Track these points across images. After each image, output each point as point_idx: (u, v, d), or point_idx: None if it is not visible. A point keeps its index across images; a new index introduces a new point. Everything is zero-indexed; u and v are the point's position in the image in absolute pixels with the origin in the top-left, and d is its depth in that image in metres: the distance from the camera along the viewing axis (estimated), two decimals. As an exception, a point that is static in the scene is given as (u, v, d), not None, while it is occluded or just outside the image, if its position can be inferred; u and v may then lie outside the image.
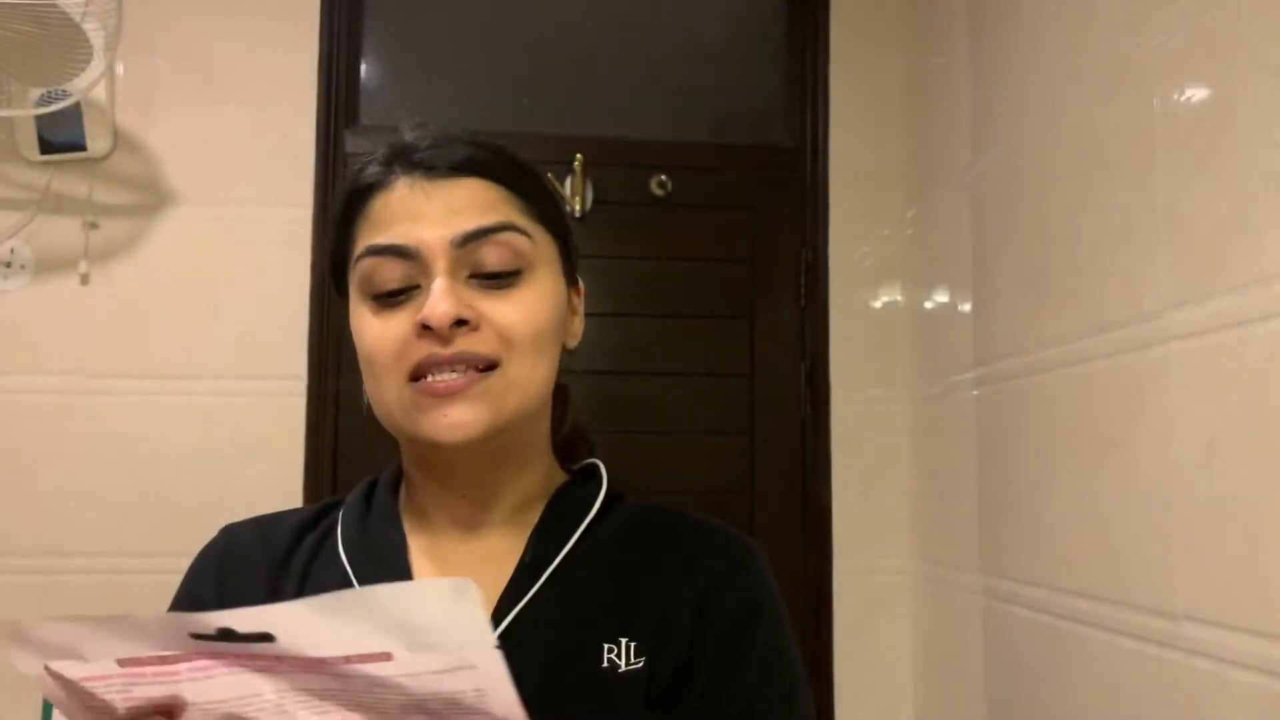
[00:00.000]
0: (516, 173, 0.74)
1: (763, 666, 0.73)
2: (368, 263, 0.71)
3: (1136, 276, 1.15)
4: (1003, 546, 1.49)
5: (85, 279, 1.80)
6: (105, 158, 1.82)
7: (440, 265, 0.69)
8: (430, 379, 0.69)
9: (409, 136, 0.74)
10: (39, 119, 1.75)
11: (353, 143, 1.92)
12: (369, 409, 0.75)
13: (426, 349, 0.68)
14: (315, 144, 1.88)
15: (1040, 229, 1.39)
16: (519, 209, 0.73)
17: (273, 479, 1.80)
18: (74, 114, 1.74)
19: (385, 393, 0.71)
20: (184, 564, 1.90)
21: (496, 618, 0.70)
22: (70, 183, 1.82)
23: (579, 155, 1.89)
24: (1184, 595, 1.05)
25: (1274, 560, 0.92)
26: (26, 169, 1.81)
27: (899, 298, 1.95)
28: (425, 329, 0.68)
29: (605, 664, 0.70)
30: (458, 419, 0.68)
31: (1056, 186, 1.35)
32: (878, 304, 1.96)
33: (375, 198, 0.72)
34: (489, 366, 0.69)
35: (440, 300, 0.67)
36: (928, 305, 1.83)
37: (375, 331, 0.70)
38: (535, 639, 0.70)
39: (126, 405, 1.79)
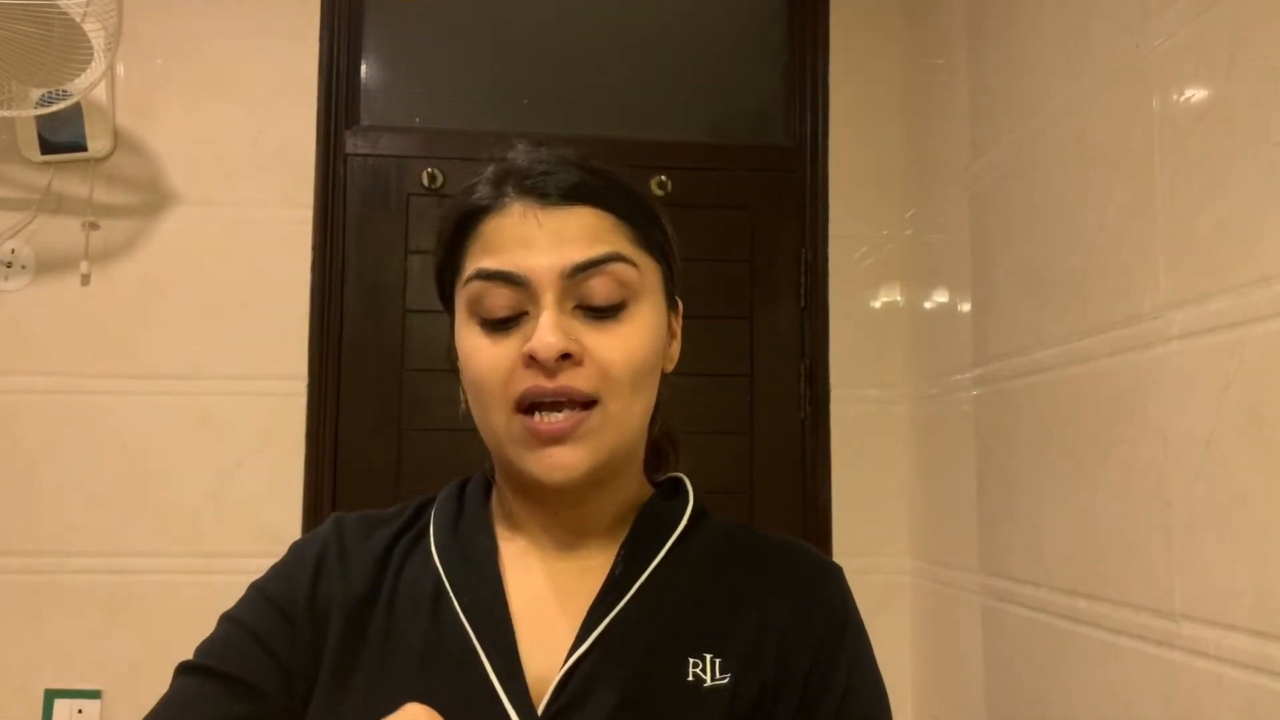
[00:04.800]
0: (626, 200, 0.75)
1: (848, 690, 0.74)
2: (477, 286, 0.72)
3: (1136, 276, 1.15)
4: (1002, 546, 1.49)
5: (85, 279, 1.80)
6: (105, 158, 1.83)
7: (549, 297, 0.70)
8: (538, 418, 0.70)
9: (523, 161, 0.74)
10: (40, 119, 1.75)
11: (353, 143, 1.92)
12: (465, 413, 0.77)
13: (532, 380, 0.70)
14: (315, 144, 1.88)
15: (1040, 229, 1.39)
16: (627, 237, 0.74)
17: (273, 479, 1.80)
18: (74, 114, 1.75)
19: (493, 421, 0.73)
20: (184, 564, 1.90)
21: (586, 629, 0.72)
22: (71, 183, 1.82)
23: (579, 155, 1.89)
24: (1183, 595, 1.05)
25: (1273, 560, 0.92)
26: (27, 169, 1.81)
27: (898, 298, 1.95)
28: (531, 360, 0.69)
29: (690, 678, 0.71)
30: (561, 460, 0.70)
31: (1056, 187, 1.35)
32: (877, 304, 1.96)
33: (488, 220, 0.73)
34: (589, 403, 0.71)
35: (548, 332, 0.69)
36: (927, 305, 1.83)
37: (484, 358, 0.72)
38: (623, 650, 0.71)
39: (126, 405, 1.79)
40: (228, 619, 0.76)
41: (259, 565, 0.82)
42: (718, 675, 0.71)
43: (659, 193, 1.95)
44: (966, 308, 1.65)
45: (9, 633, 1.73)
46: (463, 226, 0.75)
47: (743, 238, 1.97)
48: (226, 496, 1.78)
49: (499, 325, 0.72)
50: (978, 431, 1.59)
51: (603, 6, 2.07)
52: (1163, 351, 1.09)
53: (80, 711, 1.70)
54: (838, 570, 0.80)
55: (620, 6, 2.07)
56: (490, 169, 0.76)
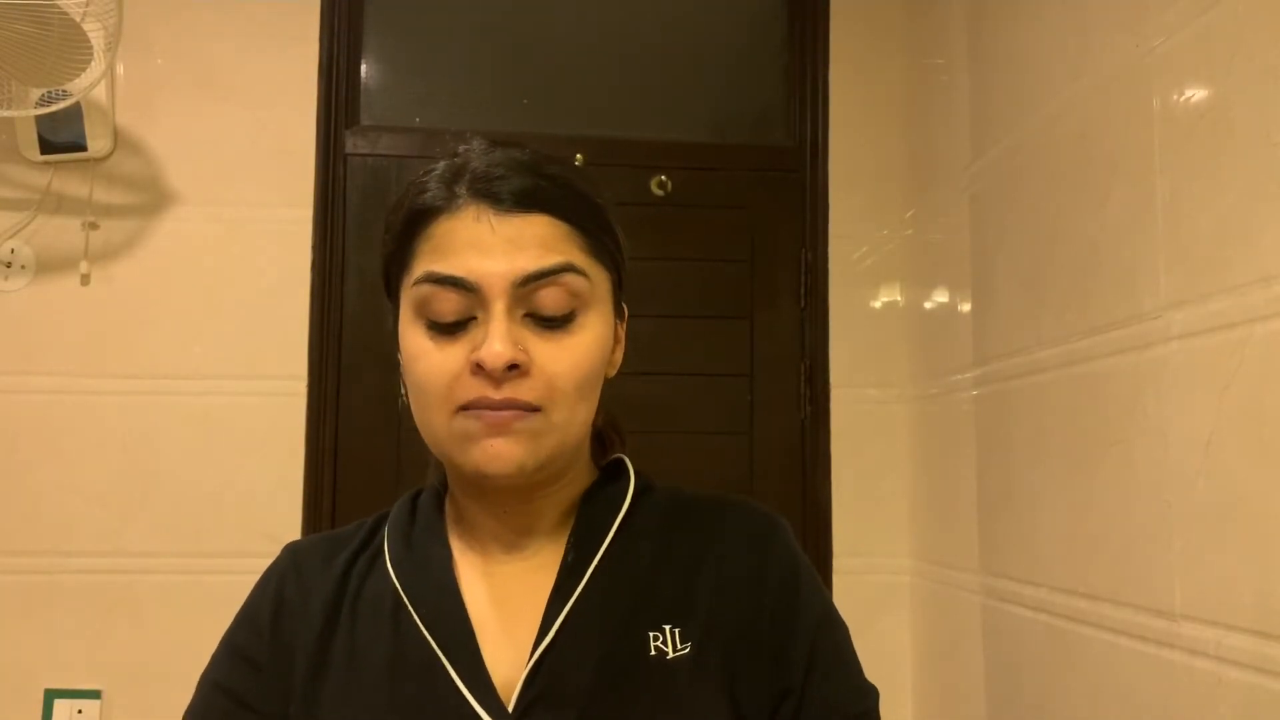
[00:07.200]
0: (580, 207, 0.75)
1: (814, 630, 0.76)
2: (426, 289, 0.71)
3: (1136, 276, 1.15)
4: (1002, 546, 1.49)
5: (85, 279, 1.80)
6: (105, 158, 1.82)
7: (499, 305, 0.70)
8: (478, 409, 0.70)
9: (478, 163, 0.73)
10: (39, 119, 1.75)
11: (353, 143, 1.92)
12: (405, 407, 0.77)
13: (478, 390, 0.70)
14: (315, 144, 1.88)
15: (1040, 229, 1.39)
16: (580, 246, 0.74)
17: (273, 479, 1.80)
18: (74, 114, 1.75)
19: (433, 420, 0.73)
20: (184, 563, 1.91)
21: (547, 622, 0.72)
22: (70, 183, 1.82)
23: (579, 155, 1.89)
24: (1183, 595, 1.05)
25: (1273, 560, 0.92)
26: (27, 169, 1.81)
27: (898, 298, 1.95)
28: (478, 368, 0.69)
29: (654, 652, 0.72)
30: (501, 450, 0.70)
31: (1056, 186, 1.35)
32: (877, 304, 1.96)
33: (439, 221, 0.72)
34: (532, 410, 0.71)
35: (496, 342, 0.69)
36: (927, 305, 1.83)
37: (430, 361, 0.71)
38: (586, 637, 0.72)
39: (126, 405, 1.79)
40: (204, 682, 0.78)
41: (259, 565, 0.82)
42: (679, 645, 0.73)
43: (659, 193, 1.95)
44: (966, 308, 1.65)
45: (9, 633, 1.73)
46: (413, 224, 0.74)
47: (743, 238, 1.97)
48: (226, 496, 1.78)
49: (446, 329, 0.71)
50: (978, 431, 1.59)
51: (603, 6, 2.07)
52: (1163, 351, 1.09)
53: (80, 711, 1.70)
54: (781, 521, 0.82)
55: (620, 6, 2.07)
56: (442, 165, 0.75)
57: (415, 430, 0.77)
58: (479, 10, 2.02)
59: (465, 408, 0.70)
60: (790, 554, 0.79)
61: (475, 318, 0.71)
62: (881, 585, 1.89)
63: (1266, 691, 0.92)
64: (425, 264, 0.72)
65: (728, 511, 0.81)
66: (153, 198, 1.84)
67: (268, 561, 0.82)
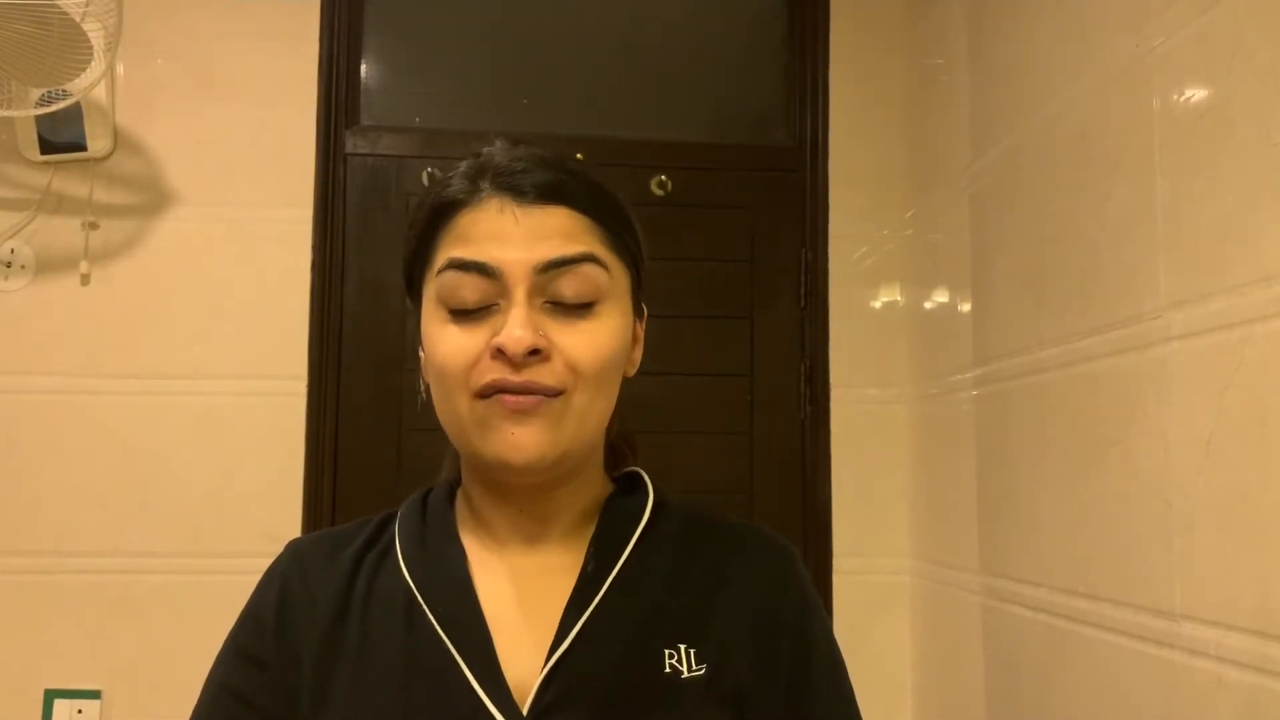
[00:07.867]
0: (602, 203, 0.76)
1: (824, 665, 0.78)
2: (450, 276, 0.72)
3: (1136, 276, 1.15)
4: (1002, 546, 1.49)
5: (85, 279, 1.80)
6: (105, 158, 1.83)
7: (520, 291, 0.71)
8: (500, 394, 0.71)
9: (501, 158, 0.75)
10: (39, 119, 1.75)
11: (353, 143, 1.92)
12: (424, 401, 0.78)
13: (498, 372, 0.70)
14: (315, 144, 1.88)
15: (1040, 229, 1.39)
16: (601, 240, 0.75)
17: (273, 479, 1.80)
18: (74, 114, 1.75)
19: (454, 406, 0.73)
20: (184, 563, 1.91)
21: (564, 628, 0.73)
22: (70, 183, 1.82)
23: (579, 155, 1.89)
24: (1183, 595, 1.05)
25: (1274, 560, 0.92)
26: (27, 169, 1.81)
27: (898, 298, 1.95)
28: (499, 353, 0.70)
29: (668, 669, 0.72)
30: (523, 439, 0.71)
31: (1056, 187, 1.35)
32: (877, 304, 1.96)
33: (463, 214, 0.74)
34: (553, 394, 0.71)
35: (517, 327, 0.69)
36: (927, 305, 1.83)
37: (450, 345, 0.72)
38: (601, 647, 0.72)
39: (126, 405, 1.79)
40: (210, 684, 0.78)
41: (258, 565, 0.82)
42: (694, 666, 0.73)
43: (659, 193, 1.95)
44: (966, 308, 1.65)
45: (9, 633, 1.73)
46: (437, 218, 0.75)
47: (743, 238, 1.97)
48: (226, 496, 1.78)
49: (468, 315, 0.72)
50: (978, 431, 1.59)
51: (603, 6, 2.07)
52: (1163, 351, 1.09)
53: (80, 711, 1.70)
54: (795, 551, 0.83)
55: (620, 6, 2.07)
56: (466, 163, 0.76)
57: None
58: (479, 10, 2.02)
59: (485, 392, 0.71)
60: (804, 588, 0.80)
61: (497, 305, 0.72)
62: (881, 585, 1.89)
63: (1266, 691, 0.92)
64: (448, 253, 0.73)
65: (743, 538, 0.82)
66: (153, 198, 1.84)
67: (268, 561, 0.82)
